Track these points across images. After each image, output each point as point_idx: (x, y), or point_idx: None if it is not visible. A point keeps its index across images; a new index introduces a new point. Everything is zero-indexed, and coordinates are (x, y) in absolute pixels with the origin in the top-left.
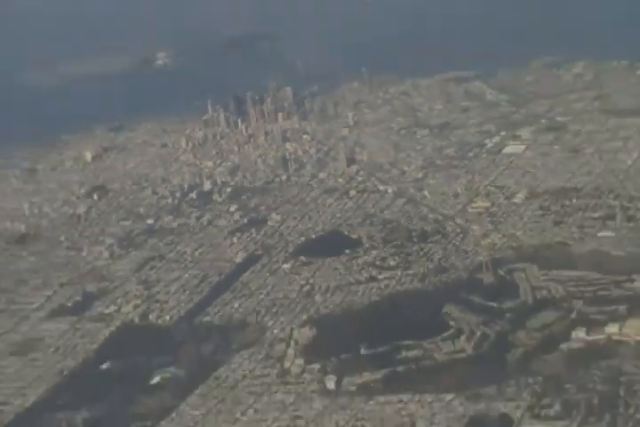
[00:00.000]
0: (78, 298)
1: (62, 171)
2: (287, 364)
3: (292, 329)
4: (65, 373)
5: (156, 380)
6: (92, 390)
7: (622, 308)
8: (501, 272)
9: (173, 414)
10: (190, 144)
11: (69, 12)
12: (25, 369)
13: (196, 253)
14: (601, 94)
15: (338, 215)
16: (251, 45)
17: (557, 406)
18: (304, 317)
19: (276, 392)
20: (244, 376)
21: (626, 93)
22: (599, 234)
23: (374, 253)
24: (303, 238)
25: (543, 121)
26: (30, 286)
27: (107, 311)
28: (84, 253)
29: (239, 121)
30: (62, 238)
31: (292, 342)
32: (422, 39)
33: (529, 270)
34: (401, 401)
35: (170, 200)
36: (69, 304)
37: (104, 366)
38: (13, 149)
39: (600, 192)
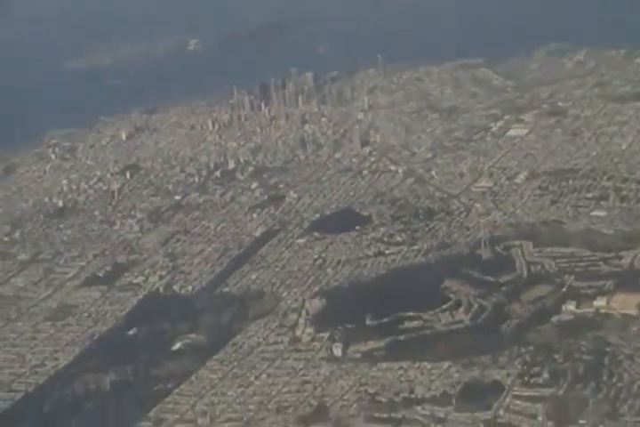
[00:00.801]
0: (109, 268)
1: (99, 148)
2: (298, 332)
3: (303, 300)
4: (95, 337)
5: (177, 346)
6: (119, 354)
7: (610, 283)
8: (499, 248)
9: (193, 378)
10: (217, 126)
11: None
12: (59, 334)
13: (219, 228)
14: (600, 81)
15: (351, 193)
16: (275, 34)
17: (546, 375)
18: (316, 288)
19: (287, 358)
20: (259, 343)
21: (624, 80)
22: (592, 213)
23: (383, 229)
24: (318, 215)
25: (545, 106)
26: (66, 256)
27: (135, 281)
28: (116, 227)
29: (262, 104)
30: (97, 213)
31: (304, 312)
32: (435, 28)
33: (525, 247)
34: (401, 368)
35: (196, 178)
36: (101, 274)
37: (131, 332)
38: (56, 130)
39: (595, 174)
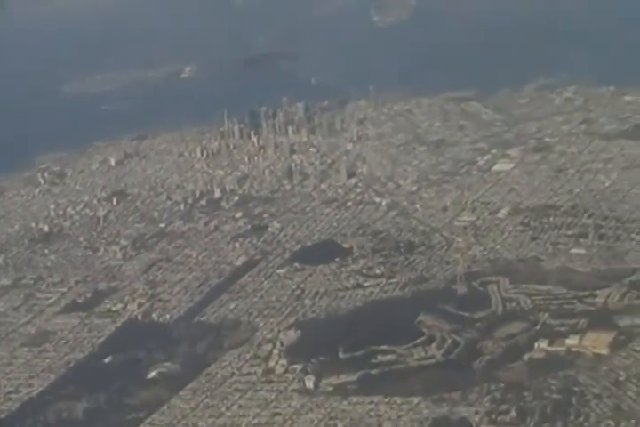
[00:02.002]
0: (89, 295)
1: (89, 174)
2: (272, 363)
3: (278, 331)
4: (71, 365)
5: (152, 374)
6: (93, 382)
7: (583, 321)
8: (475, 284)
9: (165, 407)
10: (205, 153)
11: (108, 26)
12: (35, 360)
13: (201, 257)
14: (588, 118)
15: (334, 225)
16: (268, 62)
17: (513, 413)
18: (292, 319)
19: (259, 390)
20: (232, 373)
21: (611, 118)
22: (571, 251)
23: (362, 261)
24: (299, 246)
25: (532, 141)
26: (48, 282)
27: (114, 308)
28: (99, 253)
29: (252, 133)
30: (81, 239)
31: (278, 343)
32: (430, 61)
33: (501, 283)
34: (372, 402)
35: (182, 206)
36: (81, 301)
37: (107, 360)
38: (47, 154)
39: (577, 211)
